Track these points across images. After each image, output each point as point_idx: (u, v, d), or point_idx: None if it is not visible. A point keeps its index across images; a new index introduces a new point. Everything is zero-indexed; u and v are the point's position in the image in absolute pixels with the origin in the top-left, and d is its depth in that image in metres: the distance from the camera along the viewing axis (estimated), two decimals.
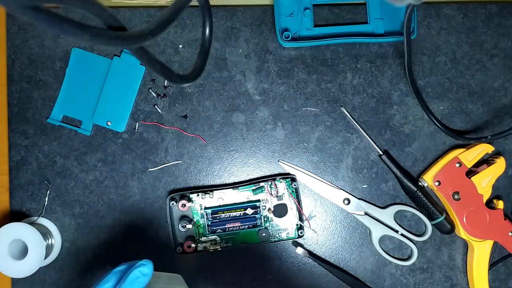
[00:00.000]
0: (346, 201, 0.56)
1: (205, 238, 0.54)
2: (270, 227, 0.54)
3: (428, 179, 0.54)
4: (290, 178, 0.54)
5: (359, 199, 0.56)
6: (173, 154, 0.56)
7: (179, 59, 0.56)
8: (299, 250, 0.55)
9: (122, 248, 0.56)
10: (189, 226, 0.53)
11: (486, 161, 0.55)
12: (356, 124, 0.55)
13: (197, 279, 0.56)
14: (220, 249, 0.54)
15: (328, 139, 0.56)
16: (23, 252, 0.52)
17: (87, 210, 0.56)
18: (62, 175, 0.56)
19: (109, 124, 0.55)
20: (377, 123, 0.56)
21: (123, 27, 0.25)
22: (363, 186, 0.56)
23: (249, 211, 0.54)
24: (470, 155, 0.54)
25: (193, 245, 0.54)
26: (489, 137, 0.53)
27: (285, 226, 0.55)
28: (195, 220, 0.54)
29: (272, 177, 0.55)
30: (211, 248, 0.54)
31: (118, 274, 0.41)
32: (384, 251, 0.56)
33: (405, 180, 0.54)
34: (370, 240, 0.56)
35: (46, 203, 0.55)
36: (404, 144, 0.56)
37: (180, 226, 0.53)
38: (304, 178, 0.55)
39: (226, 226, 0.54)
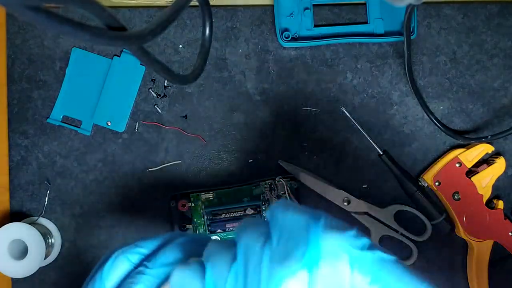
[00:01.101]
0: (346, 201, 0.56)
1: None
2: None
3: (428, 179, 0.54)
4: (290, 178, 0.54)
5: (359, 199, 0.56)
6: (173, 154, 0.56)
7: (179, 59, 0.56)
8: None
9: None
10: (189, 226, 0.53)
11: (486, 161, 0.55)
12: (356, 124, 0.55)
13: None
14: None
15: (328, 139, 0.56)
16: (23, 252, 0.52)
17: (87, 210, 0.56)
18: (62, 175, 0.56)
19: (109, 124, 0.55)
20: (377, 123, 0.56)
21: (123, 27, 0.25)
22: (363, 186, 0.56)
23: (249, 211, 0.54)
24: (470, 155, 0.54)
25: None
26: (489, 137, 0.53)
27: None
28: (195, 220, 0.54)
29: (272, 177, 0.55)
30: None
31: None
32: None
33: (405, 180, 0.54)
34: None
35: (46, 203, 0.55)
36: (404, 144, 0.56)
37: (180, 226, 0.53)
38: (304, 178, 0.55)
39: (226, 226, 0.54)
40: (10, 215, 0.56)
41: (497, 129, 0.56)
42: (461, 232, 0.54)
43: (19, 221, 0.53)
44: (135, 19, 0.55)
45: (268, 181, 0.54)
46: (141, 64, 0.55)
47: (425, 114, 0.55)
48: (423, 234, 0.56)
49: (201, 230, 0.54)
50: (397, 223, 0.56)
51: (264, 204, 0.54)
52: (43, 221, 0.55)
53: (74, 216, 0.56)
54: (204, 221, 0.54)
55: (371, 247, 0.23)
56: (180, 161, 0.56)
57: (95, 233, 0.56)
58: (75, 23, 0.21)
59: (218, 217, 0.54)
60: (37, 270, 0.52)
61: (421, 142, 0.56)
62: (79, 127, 0.55)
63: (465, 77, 0.56)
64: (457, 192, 0.54)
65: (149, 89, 0.56)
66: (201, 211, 0.54)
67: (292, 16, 0.54)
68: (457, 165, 0.54)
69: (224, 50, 0.55)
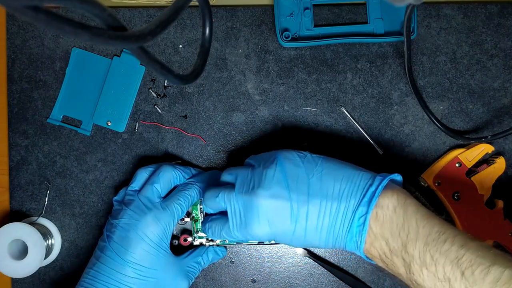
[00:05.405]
0: None
1: (202, 233, 0.54)
2: None
3: (428, 179, 0.54)
4: None
5: None
6: (173, 154, 0.56)
7: (179, 59, 0.56)
8: (299, 250, 0.55)
9: None
10: (187, 219, 0.53)
11: (486, 161, 0.55)
12: (356, 124, 0.55)
13: (197, 279, 0.56)
14: (216, 245, 0.54)
15: (328, 139, 0.56)
16: (23, 252, 0.52)
17: (87, 210, 0.56)
18: (62, 175, 0.56)
19: (109, 124, 0.55)
20: (377, 123, 0.56)
21: (123, 27, 0.25)
22: None
23: None
24: (470, 155, 0.54)
25: (189, 238, 0.53)
26: (489, 137, 0.53)
27: None
28: (193, 214, 0.54)
29: None
30: (207, 243, 0.54)
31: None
32: None
33: (405, 180, 0.54)
34: None
35: (46, 203, 0.55)
36: (404, 144, 0.56)
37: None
38: None
39: None
40: (10, 215, 0.56)
41: (497, 129, 0.56)
42: None
43: (19, 221, 0.53)
44: (135, 19, 0.55)
45: None
46: (141, 64, 0.55)
47: (425, 114, 0.55)
48: None
49: (199, 226, 0.54)
50: None
51: None
52: (43, 221, 0.55)
53: (74, 216, 0.56)
54: (202, 216, 0.54)
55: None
56: (180, 161, 0.56)
57: (95, 233, 0.56)
58: (75, 23, 0.21)
59: None
60: (37, 270, 0.52)
61: (421, 142, 0.56)
62: (79, 127, 0.55)
63: (465, 77, 0.56)
64: (457, 192, 0.54)
65: (149, 89, 0.56)
66: (200, 206, 0.54)
67: (292, 16, 0.54)
68: (457, 165, 0.54)
69: (224, 50, 0.56)
